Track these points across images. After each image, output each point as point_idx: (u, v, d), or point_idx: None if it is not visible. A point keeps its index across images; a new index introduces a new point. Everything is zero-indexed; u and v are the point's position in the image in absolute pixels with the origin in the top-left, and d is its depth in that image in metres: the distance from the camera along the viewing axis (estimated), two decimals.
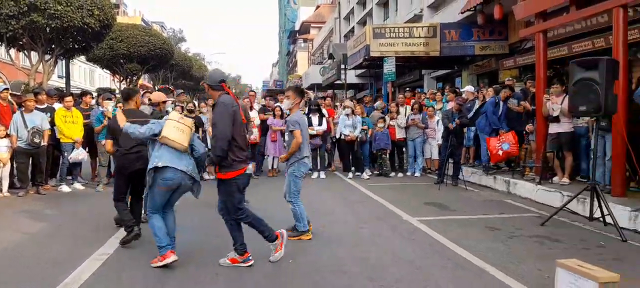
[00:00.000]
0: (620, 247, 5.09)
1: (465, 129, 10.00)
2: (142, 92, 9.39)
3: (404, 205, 7.33)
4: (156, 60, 27.37)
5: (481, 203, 7.71)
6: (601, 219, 5.73)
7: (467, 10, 13.10)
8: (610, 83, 5.47)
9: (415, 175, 10.79)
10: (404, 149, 11.24)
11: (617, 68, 5.83)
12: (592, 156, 6.46)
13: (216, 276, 4.19)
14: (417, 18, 20.64)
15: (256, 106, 11.07)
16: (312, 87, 31.38)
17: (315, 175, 10.55)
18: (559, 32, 11.31)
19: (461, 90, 11.98)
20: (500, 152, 8.71)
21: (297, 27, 60.58)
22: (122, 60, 26.11)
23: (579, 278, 3.30)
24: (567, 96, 6.75)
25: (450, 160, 9.56)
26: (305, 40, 57.03)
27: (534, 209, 7.12)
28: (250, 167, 4.32)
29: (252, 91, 12.77)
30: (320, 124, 10.31)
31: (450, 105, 10.01)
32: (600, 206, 5.70)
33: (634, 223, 5.76)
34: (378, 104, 12.20)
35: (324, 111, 11.01)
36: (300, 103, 5.52)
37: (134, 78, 27.92)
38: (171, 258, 4.31)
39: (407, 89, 15.93)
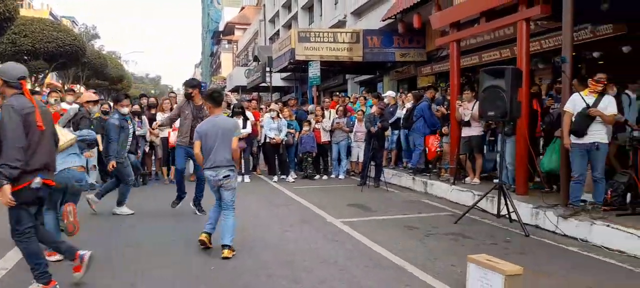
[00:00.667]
0: (524, 241, 5.53)
1: (388, 132, 10.36)
2: (48, 91, 8.70)
3: (328, 207, 7.44)
4: (66, 58, 25.53)
5: (401, 204, 8.02)
6: (507, 216, 6.20)
7: (388, 18, 13.60)
8: (515, 90, 5.95)
9: (340, 177, 11.00)
10: (328, 152, 11.42)
11: (520, 77, 6.35)
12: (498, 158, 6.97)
13: (131, 287, 3.98)
14: (341, 24, 21.10)
15: None
16: (236, 89, 30.94)
17: (239, 179, 10.39)
18: (471, 42, 12.09)
19: (383, 95, 12.40)
20: (439, 150, 9.13)
21: (221, 28, 59.46)
22: (26, 57, 24.04)
23: (487, 272, 3.54)
24: (477, 102, 7.24)
25: (373, 163, 9.85)
26: (229, 42, 56.12)
27: (449, 208, 7.53)
28: (38, 180, 3.52)
29: (173, 93, 12.31)
30: (244, 126, 10.17)
31: (373, 110, 10.32)
32: (506, 204, 6.17)
33: (535, 219, 6.28)
34: (311, 107, 12.29)
35: (249, 114, 10.89)
36: (218, 109, 5.21)
37: (41, 76, 25.80)
38: None
39: (338, 93, 16.19)
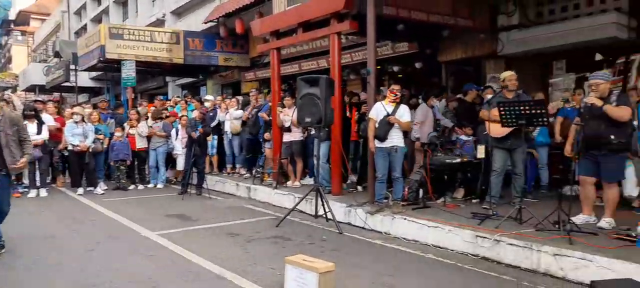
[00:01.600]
0: (338, 239, 5.93)
1: (210, 137, 10.11)
2: None
3: (144, 220, 6.89)
4: None
5: (224, 211, 7.89)
6: (324, 216, 6.59)
7: (210, 21, 13.34)
8: (328, 98, 6.36)
9: (158, 186, 10.33)
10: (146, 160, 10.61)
11: (333, 86, 6.82)
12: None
13: None
14: (159, 22, 19.95)
15: None
16: (33, 89, 26.64)
17: (33, 193, 8.95)
18: (292, 51, 12.62)
19: (204, 98, 12.08)
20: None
21: (12, 16, 50.94)
22: None
23: (303, 271, 3.67)
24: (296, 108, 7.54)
25: (194, 170, 9.50)
26: (23, 33, 48.48)
27: (271, 212, 7.68)
28: None
29: None
30: (39, 132, 8.77)
31: (195, 114, 9.97)
32: (323, 205, 6.55)
33: (348, 217, 6.80)
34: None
35: (48, 117, 9.46)
36: None
37: None
38: None
39: (158, 97, 15.17)
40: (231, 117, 10.07)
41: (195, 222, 6.98)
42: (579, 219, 5.22)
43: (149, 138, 10.18)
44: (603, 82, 5.07)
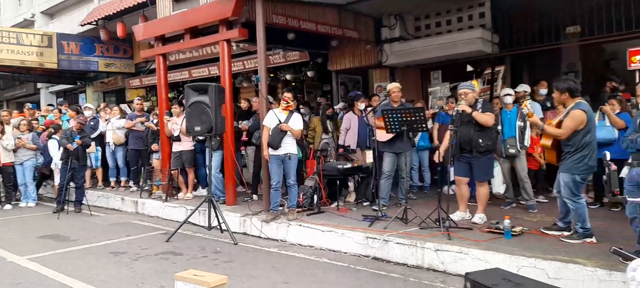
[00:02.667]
0: (233, 250, 5.80)
1: (91, 149, 9.32)
2: None
3: (11, 243, 6.12)
4: None
5: (107, 228, 7.30)
6: (219, 227, 6.40)
7: (87, 23, 12.29)
8: (218, 106, 6.21)
9: (29, 205, 9.25)
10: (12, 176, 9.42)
11: (224, 93, 6.68)
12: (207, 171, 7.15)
13: None
14: (28, 23, 17.92)
15: None
16: None
17: None
18: (180, 57, 12.12)
19: (84, 106, 11.09)
20: None
21: None
22: None
23: (193, 287, 3.51)
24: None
25: (72, 185, 8.67)
26: None
27: (162, 226, 7.28)
28: None
29: None
30: None
31: (72, 124, 9.11)
32: (216, 216, 6.36)
33: (243, 227, 6.69)
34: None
35: None
36: None
37: None
38: None
39: (30, 105, 13.52)
40: (113, 126, 9.39)
41: (73, 242, 6.36)
42: (456, 216, 5.70)
43: (15, 151, 9.07)
44: (470, 91, 5.62)
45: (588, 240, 4.63)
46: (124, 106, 11.54)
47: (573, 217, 4.77)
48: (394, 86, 6.64)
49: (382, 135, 6.43)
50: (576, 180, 4.63)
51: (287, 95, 6.46)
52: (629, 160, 4.16)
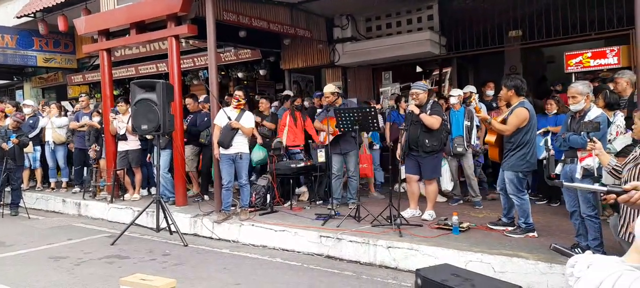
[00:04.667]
0: (183, 252, 5.64)
1: (29, 149, 8.78)
2: None
3: None
4: None
5: (47, 232, 6.91)
6: (168, 229, 6.20)
7: (24, 16, 11.56)
8: (167, 104, 6.01)
9: None
10: None
11: (172, 91, 6.47)
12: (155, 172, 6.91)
13: None
14: None
15: None
16: None
17: None
18: (127, 53, 11.66)
19: (23, 103, 10.42)
20: None
21: None
22: None
23: None
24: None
25: (9, 187, 8.14)
26: None
27: (106, 229, 6.97)
28: None
29: None
30: None
31: (8, 122, 8.52)
32: (165, 217, 6.16)
33: (193, 228, 6.52)
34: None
35: None
36: None
37: None
38: None
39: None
40: (53, 125, 8.90)
41: (9, 247, 5.97)
42: (407, 213, 5.82)
43: None
44: (422, 91, 5.75)
45: (530, 234, 4.86)
46: (65, 103, 10.98)
47: (517, 212, 4.99)
48: (327, 90, 6.66)
49: (324, 136, 6.52)
50: (519, 176, 4.84)
51: (238, 93, 6.36)
52: (562, 158, 4.41)
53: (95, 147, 8.33)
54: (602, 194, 1.65)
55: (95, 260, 5.29)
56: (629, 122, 4.73)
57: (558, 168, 4.43)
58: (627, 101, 5.25)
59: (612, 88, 5.48)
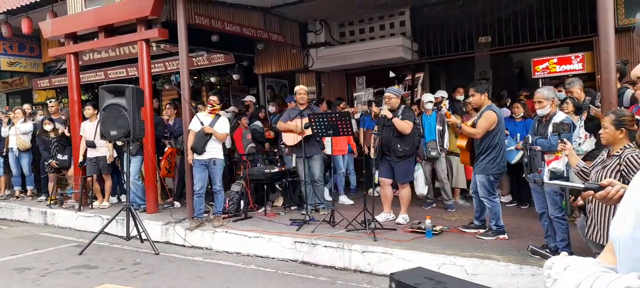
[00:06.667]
0: (154, 260, 5.51)
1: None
2: None
3: None
4: None
5: (11, 242, 6.66)
6: (138, 237, 6.05)
7: None
8: (137, 110, 5.87)
9: None
10: None
11: (143, 96, 6.32)
12: (125, 178, 6.75)
13: None
14: None
15: None
16: None
17: None
18: (95, 57, 11.39)
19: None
20: None
21: None
22: None
23: None
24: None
25: None
26: None
27: (74, 238, 6.77)
28: None
29: None
30: None
31: None
32: (136, 225, 6.01)
33: (165, 235, 6.39)
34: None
35: None
36: None
37: None
38: None
39: None
40: (18, 131, 8.60)
41: None
42: (381, 217, 5.85)
43: None
44: (394, 96, 5.79)
45: (501, 236, 4.95)
46: (26, 106, 10.61)
47: (488, 214, 5.08)
48: (299, 88, 6.68)
49: (288, 139, 6.51)
50: (490, 180, 4.94)
51: (213, 98, 6.28)
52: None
53: (54, 163, 8.03)
54: (572, 197, 1.69)
55: (62, 271, 5.12)
56: (589, 126, 4.93)
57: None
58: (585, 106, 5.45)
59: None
